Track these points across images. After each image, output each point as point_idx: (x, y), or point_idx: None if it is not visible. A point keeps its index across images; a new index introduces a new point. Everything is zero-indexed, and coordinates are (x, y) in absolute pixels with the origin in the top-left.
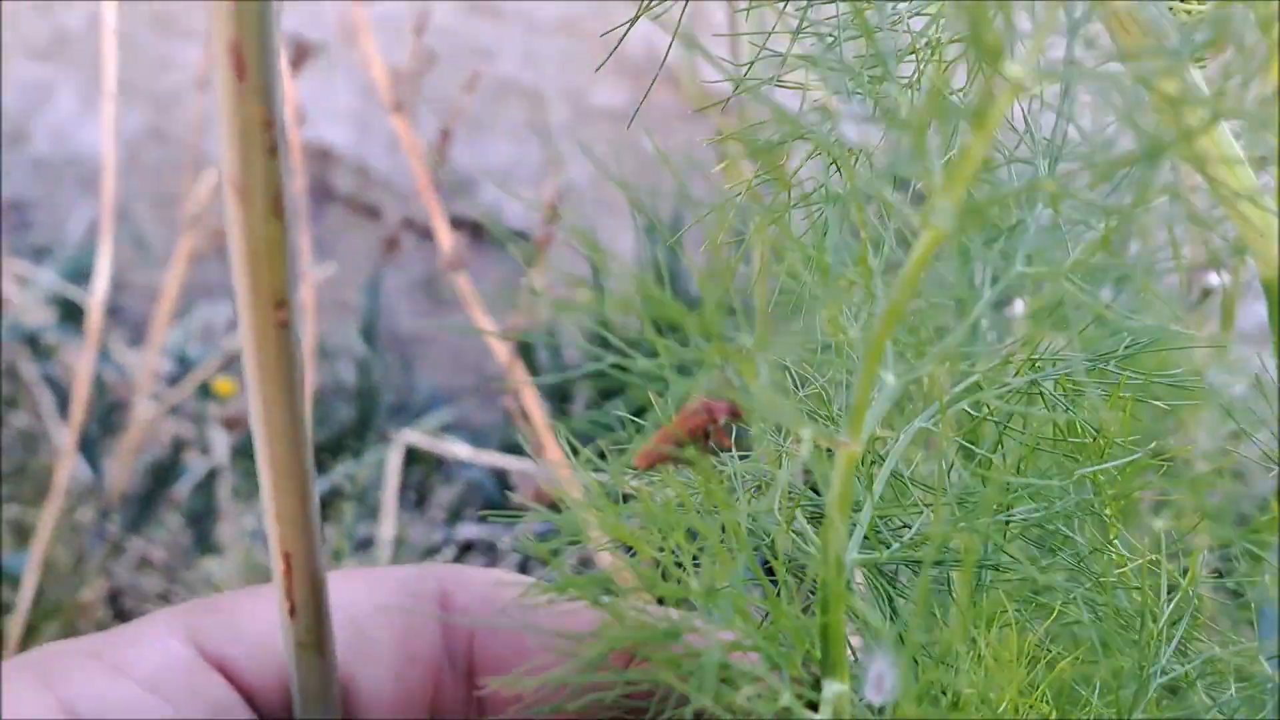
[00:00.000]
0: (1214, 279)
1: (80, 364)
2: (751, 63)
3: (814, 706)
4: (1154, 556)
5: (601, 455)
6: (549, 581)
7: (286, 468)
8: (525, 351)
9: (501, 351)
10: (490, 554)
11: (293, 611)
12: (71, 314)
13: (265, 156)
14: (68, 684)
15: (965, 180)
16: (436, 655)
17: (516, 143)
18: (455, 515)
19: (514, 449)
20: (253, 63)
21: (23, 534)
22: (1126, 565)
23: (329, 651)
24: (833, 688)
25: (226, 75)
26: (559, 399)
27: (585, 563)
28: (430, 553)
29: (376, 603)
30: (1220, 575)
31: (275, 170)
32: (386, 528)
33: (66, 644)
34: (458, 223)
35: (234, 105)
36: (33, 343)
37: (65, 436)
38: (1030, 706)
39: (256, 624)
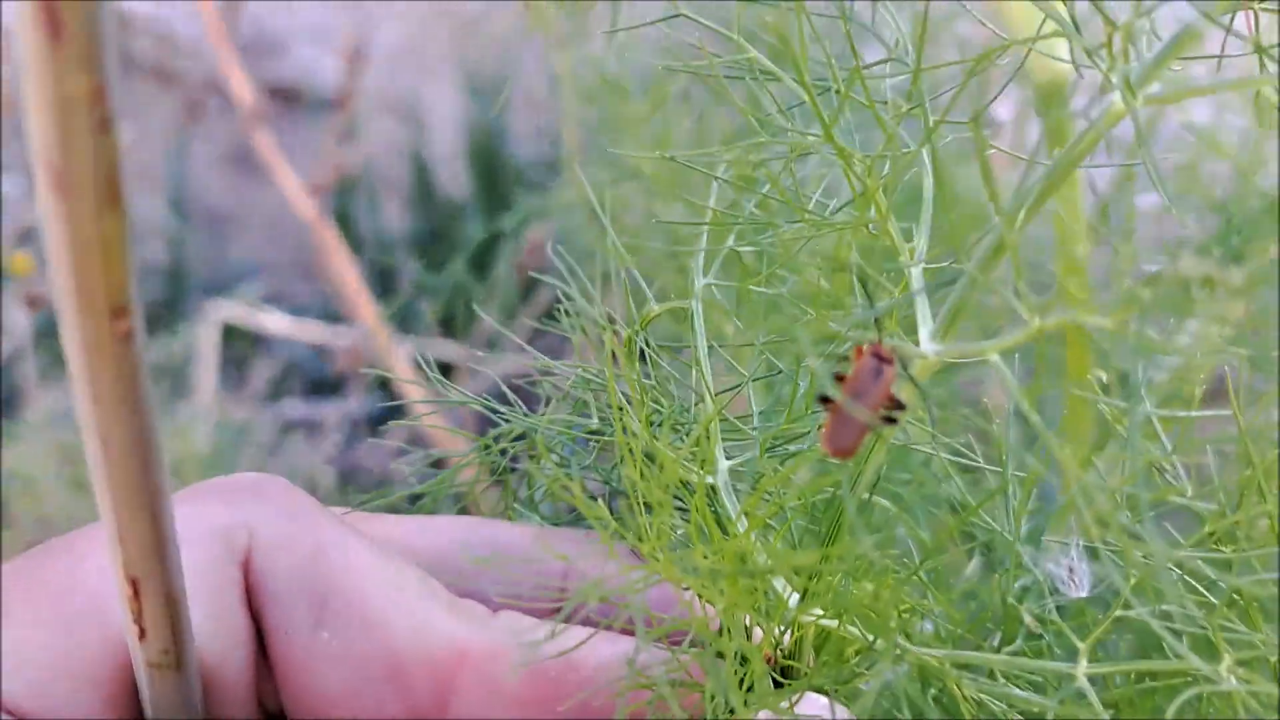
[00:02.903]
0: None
1: None
2: None
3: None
4: None
5: None
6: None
7: (133, 490)
8: (343, 221)
9: (308, 209)
10: (314, 431)
11: (143, 635)
12: None
13: (94, 136)
14: None
15: None
16: (249, 629)
17: (327, 5)
18: (276, 393)
19: (335, 320)
20: (74, 19)
21: None
22: None
23: (188, 666)
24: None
25: (35, 36)
26: (381, 272)
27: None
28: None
29: (190, 563)
30: None
31: (110, 151)
32: (202, 402)
33: None
34: (272, 91)
35: (46, 75)
36: None
37: None
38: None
39: (27, 641)
